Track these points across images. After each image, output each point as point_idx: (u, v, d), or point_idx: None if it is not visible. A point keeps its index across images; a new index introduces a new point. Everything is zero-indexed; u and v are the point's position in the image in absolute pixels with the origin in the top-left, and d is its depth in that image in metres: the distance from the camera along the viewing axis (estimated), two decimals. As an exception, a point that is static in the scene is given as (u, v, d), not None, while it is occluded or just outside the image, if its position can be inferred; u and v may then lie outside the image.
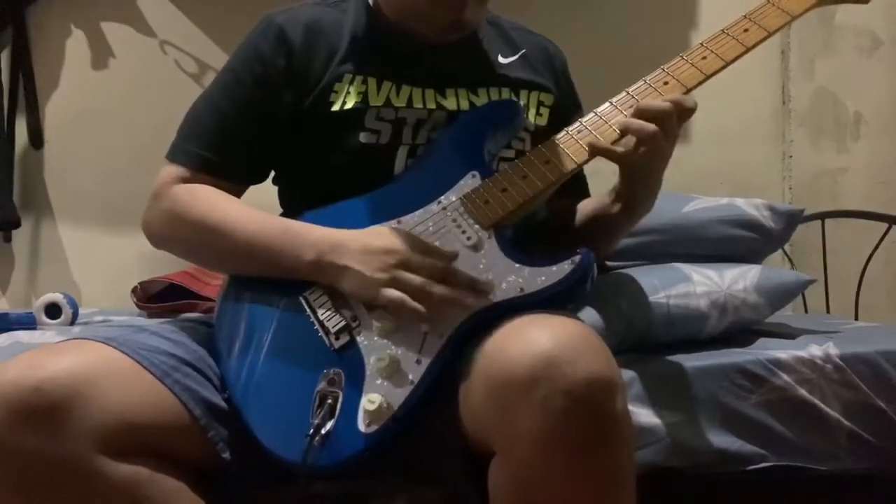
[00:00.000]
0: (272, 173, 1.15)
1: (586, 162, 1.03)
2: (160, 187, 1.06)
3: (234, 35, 1.15)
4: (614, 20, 2.24)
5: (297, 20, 1.09)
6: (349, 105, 1.06)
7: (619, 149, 1.01)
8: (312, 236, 0.98)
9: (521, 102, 1.14)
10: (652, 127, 0.97)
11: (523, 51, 1.18)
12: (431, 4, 1.07)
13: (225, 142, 1.06)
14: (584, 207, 1.19)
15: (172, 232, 1.05)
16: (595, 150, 1.00)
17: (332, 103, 1.06)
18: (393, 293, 0.91)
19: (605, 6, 2.25)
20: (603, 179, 1.27)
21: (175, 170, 1.06)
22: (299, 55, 1.07)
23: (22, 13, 2.16)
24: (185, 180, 1.06)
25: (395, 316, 0.92)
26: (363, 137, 1.06)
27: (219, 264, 1.11)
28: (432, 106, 1.08)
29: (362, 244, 0.95)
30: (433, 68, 1.10)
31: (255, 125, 1.07)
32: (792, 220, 1.53)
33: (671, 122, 0.98)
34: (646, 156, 1.00)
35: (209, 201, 1.03)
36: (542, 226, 1.15)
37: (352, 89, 1.07)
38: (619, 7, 2.24)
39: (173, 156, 1.08)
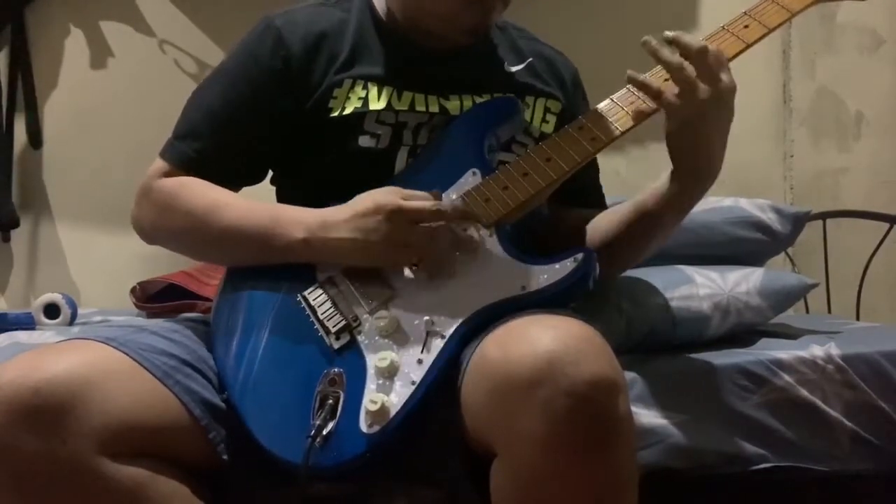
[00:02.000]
0: (269, 173, 1.15)
1: (589, 158, 1.02)
2: (148, 181, 1.06)
3: (234, 34, 1.14)
4: (615, 19, 2.23)
5: (297, 23, 1.08)
6: (349, 110, 1.05)
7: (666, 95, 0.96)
8: (301, 215, 0.98)
9: (527, 108, 1.13)
10: (686, 65, 0.93)
11: (530, 60, 1.17)
12: (460, 7, 1.04)
13: (216, 144, 1.06)
14: (615, 216, 1.10)
15: (163, 222, 1.05)
16: (634, 82, 0.97)
17: (331, 108, 1.05)
18: (400, 252, 0.92)
19: (605, 5, 2.24)
20: (603, 178, 1.26)
21: (164, 166, 1.06)
22: (298, 60, 1.06)
23: (21, 12, 2.16)
24: (173, 176, 1.05)
25: (396, 315, 0.91)
26: (363, 141, 1.05)
27: (211, 252, 1.10)
28: (435, 109, 1.08)
29: (349, 212, 0.95)
30: (437, 74, 1.09)
31: (248, 128, 1.06)
32: (797, 221, 1.52)
33: (708, 66, 0.93)
34: (690, 107, 0.94)
35: (198, 189, 1.03)
36: (545, 227, 1.14)
37: (352, 94, 1.06)
38: (620, 6, 2.24)
39: (164, 153, 1.07)
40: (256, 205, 1.01)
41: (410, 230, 0.92)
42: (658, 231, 1.06)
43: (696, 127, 0.96)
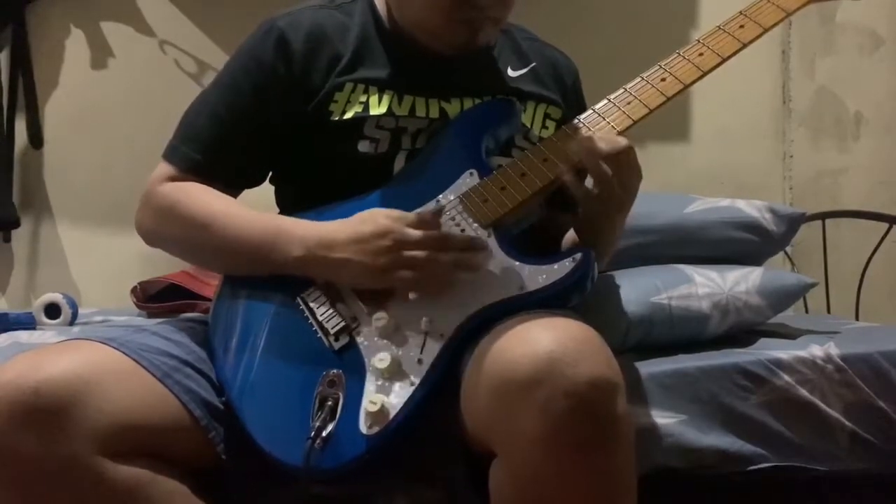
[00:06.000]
0: (269, 174, 1.15)
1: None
2: (151, 185, 1.06)
3: (234, 35, 1.14)
4: (615, 18, 2.23)
5: (300, 26, 1.07)
6: (349, 115, 1.05)
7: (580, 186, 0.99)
8: (298, 232, 0.97)
9: (528, 114, 1.12)
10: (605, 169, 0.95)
11: (533, 64, 1.17)
12: (447, 25, 1.04)
13: (220, 147, 1.06)
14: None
15: (163, 228, 1.05)
16: (559, 180, 0.99)
17: (331, 112, 1.05)
18: (404, 274, 0.90)
19: (605, 5, 2.24)
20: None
21: (168, 169, 1.06)
22: (300, 63, 1.06)
23: (21, 12, 2.16)
24: (177, 181, 1.05)
25: (394, 316, 0.91)
26: (361, 146, 1.05)
27: (208, 261, 1.10)
28: (435, 114, 1.08)
29: (351, 233, 0.94)
30: (439, 79, 1.09)
31: (252, 132, 1.06)
32: (793, 223, 1.52)
33: (624, 166, 0.96)
34: (599, 198, 0.98)
35: (198, 198, 1.03)
36: (538, 227, 1.14)
37: (353, 98, 1.06)
38: (620, 5, 2.24)
39: (168, 156, 1.07)
40: (256, 218, 1.00)
41: (412, 258, 0.91)
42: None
43: (605, 210, 1.01)
